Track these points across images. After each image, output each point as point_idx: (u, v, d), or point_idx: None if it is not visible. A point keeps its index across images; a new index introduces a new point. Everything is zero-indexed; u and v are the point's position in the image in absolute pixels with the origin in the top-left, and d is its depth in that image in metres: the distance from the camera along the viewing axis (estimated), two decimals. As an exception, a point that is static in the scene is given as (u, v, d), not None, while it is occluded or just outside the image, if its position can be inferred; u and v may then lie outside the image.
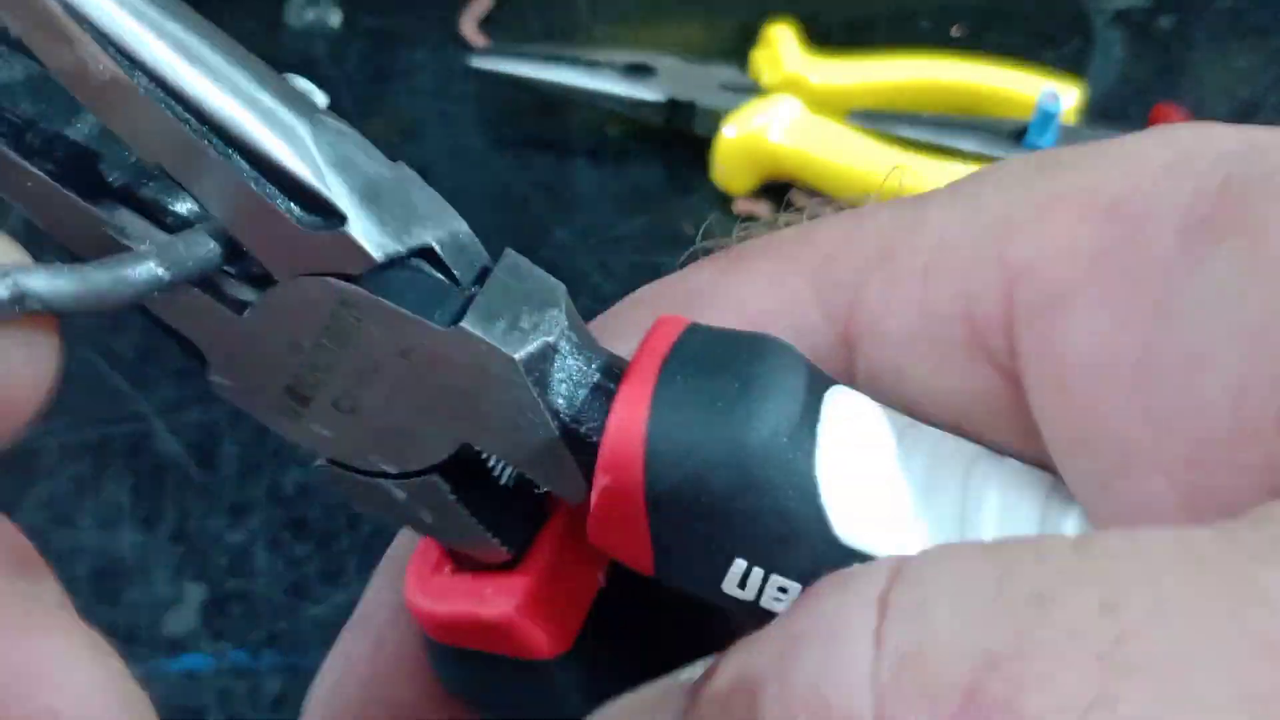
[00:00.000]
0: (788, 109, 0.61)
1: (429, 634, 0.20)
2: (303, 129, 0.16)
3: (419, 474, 0.18)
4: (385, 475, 0.18)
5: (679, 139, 0.64)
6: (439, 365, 0.17)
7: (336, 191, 0.16)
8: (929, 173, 0.59)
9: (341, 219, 0.16)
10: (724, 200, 0.63)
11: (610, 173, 0.65)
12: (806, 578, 0.16)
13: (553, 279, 0.19)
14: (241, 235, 0.16)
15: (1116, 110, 0.66)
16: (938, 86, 0.64)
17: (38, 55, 0.16)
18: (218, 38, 0.17)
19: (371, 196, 0.17)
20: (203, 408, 0.54)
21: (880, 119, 0.62)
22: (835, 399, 0.18)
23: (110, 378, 0.56)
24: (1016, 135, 0.61)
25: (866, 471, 0.17)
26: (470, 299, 0.17)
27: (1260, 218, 0.16)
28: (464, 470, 0.18)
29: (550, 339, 0.17)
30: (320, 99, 0.18)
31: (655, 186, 0.64)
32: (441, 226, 0.18)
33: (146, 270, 0.16)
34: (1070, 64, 0.69)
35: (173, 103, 0.16)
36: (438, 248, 0.17)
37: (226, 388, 0.18)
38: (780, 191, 0.62)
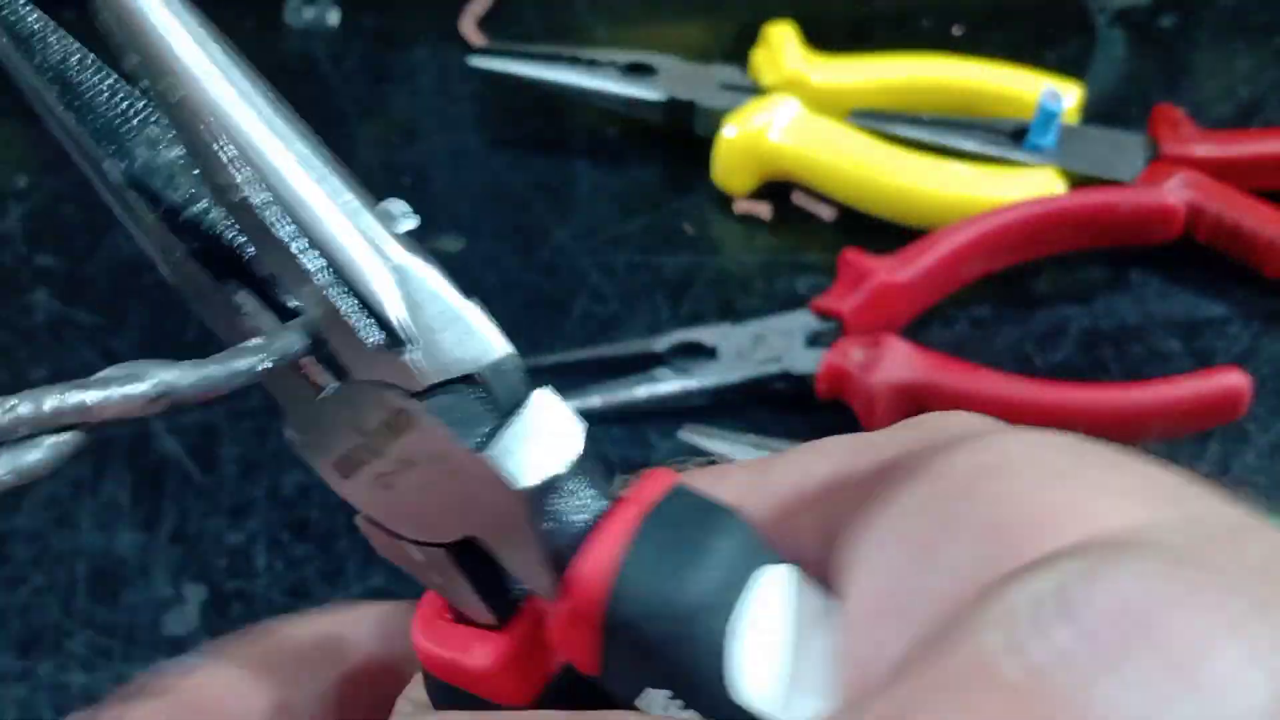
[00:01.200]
0: (788, 109, 0.61)
1: (425, 668, 0.24)
2: (389, 261, 0.20)
3: (433, 545, 0.22)
4: (407, 539, 0.22)
5: (678, 139, 0.64)
6: (461, 477, 0.20)
7: (406, 323, 0.20)
8: (930, 172, 0.59)
9: (406, 346, 0.20)
10: (724, 200, 0.63)
11: (610, 172, 0.65)
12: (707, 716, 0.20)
13: (577, 418, 0.21)
14: (328, 338, 0.20)
15: (1117, 109, 0.66)
16: (938, 86, 0.64)
17: (194, 160, 0.20)
18: (329, 159, 0.20)
19: (437, 327, 0.20)
20: (202, 408, 0.54)
21: (881, 119, 0.62)
22: (767, 577, 0.21)
23: (110, 378, 0.56)
24: (1017, 135, 0.61)
25: (772, 643, 0.20)
26: (499, 427, 0.20)
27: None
28: (469, 550, 0.22)
29: (561, 472, 0.20)
30: (411, 222, 0.21)
31: (655, 186, 0.64)
32: (492, 356, 0.20)
33: (250, 364, 0.20)
34: (1071, 63, 0.69)
35: (286, 224, 0.19)
36: (478, 377, 0.20)
37: (295, 443, 0.22)
38: (780, 191, 0.62)
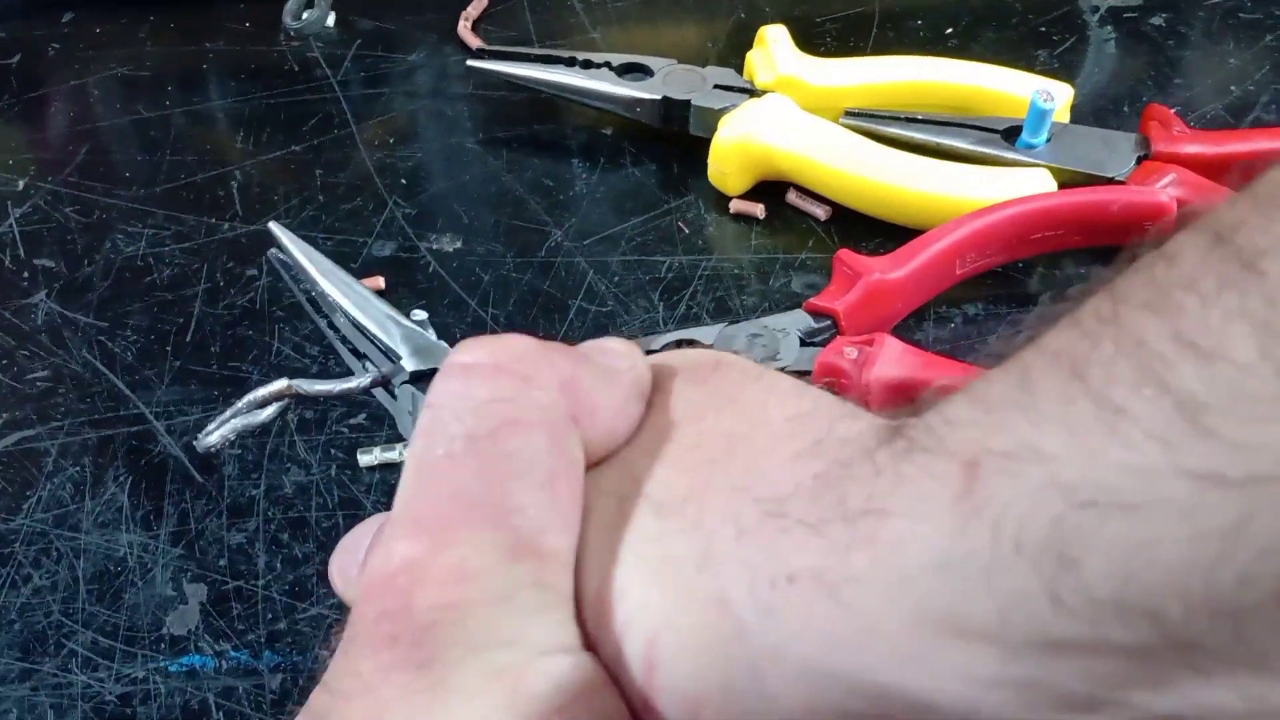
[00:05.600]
0: (782, 109, 0.62)
1: None
2: (403, 329, 0.41)
3: None
4: None
5: (674, 139, 0.65)
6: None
7: (403, 351, 0.40)
8: (923, 172, 0.60)
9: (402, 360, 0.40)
10: (719, 200, 0.63)
11: (605, 173, 0.65)
12: None
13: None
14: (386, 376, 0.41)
15: (1109, 108, 0.67)
16: (932, 86, 0.65)
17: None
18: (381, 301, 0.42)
19: (422, 349, 0.40)
20: (202, 409, 0.55)
21: (874, 119, 0.63)
22: None
23: (110, 380, 0.56)
24: (1009, 134, 0.61)
25: None
26: None
27: None
28: None
29: None
30: (422, 315, 0.41)
31: (650, 186, 0.64)
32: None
33: (357, 384, 0.40)
34: (1063, 63, 0.70)
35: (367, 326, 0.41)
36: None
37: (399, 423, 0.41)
38: (775, 191, 0.63)
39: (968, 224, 0.55)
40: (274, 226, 0.44)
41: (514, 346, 0.25)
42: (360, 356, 0.42)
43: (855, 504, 0.21)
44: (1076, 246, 0.58)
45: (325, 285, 0.42)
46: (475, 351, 0.25)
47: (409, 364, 0.39)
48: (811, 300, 0.54)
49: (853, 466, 0.22)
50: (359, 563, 0.26)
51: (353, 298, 0.42)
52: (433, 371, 0.38)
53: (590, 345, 0.28)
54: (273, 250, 0.44)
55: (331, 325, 0.43)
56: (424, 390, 0.38)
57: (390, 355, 0.40)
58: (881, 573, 0.20)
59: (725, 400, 0.26)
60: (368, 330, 0.41)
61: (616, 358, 0.27)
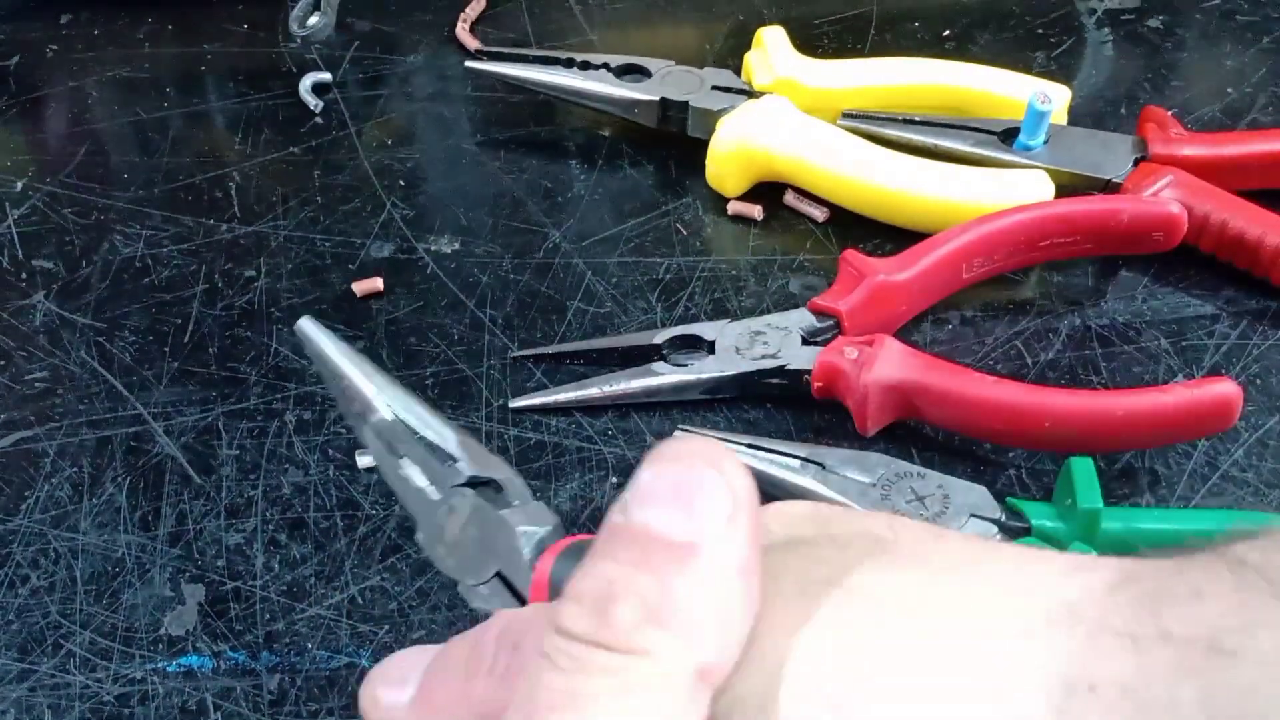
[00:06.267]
0: (780, 111, 0.62)
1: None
2: (453, 435, 0.38)
3: (483, 582, 0.37)
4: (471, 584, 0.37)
5: (672, 141, 0.65)
6: (497, 529, 0.36)
7: (460, 453, 0.38)
8: (920, 173, 0.60)
9: (460, 462, 0.38)
10: (717, 201, 0.63)
11: (603, 174, 0.65)
12: None
13: (549, 511, 0.36)
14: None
15: (1106, 110, 0.67)
16: (929, 88, 0.65)
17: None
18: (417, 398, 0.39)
19: (480, 457, 0.38)
20: (199, 410, 0.55)
21: (872, 120, 0.63)
22: None
23: (108, 381, 0.56)
24: (1007, 136, 0.61)
25: None
26: (509, 506, 0.37)
27: None
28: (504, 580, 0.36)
29: (546, 530, 0.36)
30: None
31: (648, 188, 0.64)
32: (507, 473, 0.37)
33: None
34: (1060, 65, 0.70)
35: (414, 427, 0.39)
36: (501, 480, 0.37)
37: (420, 531, 0.38)
38: (772, 192, 0.63)
39: (975, 229, 0.55)
40: (304, 323, 0.39)
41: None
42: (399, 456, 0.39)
43: (1179, 626, 0.20)
44: (1085, 254, 0.57)
45: (365, 386, 0.39)
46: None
47: (466, 469, 0.38)
48: (815, 300, 0.54)
49: (1162, 581, 0.21)
50: (409, 694, 0.27)
51: (396, 398, 0.39)
52: (489, 481, 0.38)
53: (637, 503, 0.25)
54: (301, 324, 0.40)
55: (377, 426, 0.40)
56: (482, 497, 0.37)
57: (442, 457, 0.38)
58: (1216, 710, 0.19)
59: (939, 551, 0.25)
60: (416, 431, 0.39)
61: (679, 520, 0.25)
